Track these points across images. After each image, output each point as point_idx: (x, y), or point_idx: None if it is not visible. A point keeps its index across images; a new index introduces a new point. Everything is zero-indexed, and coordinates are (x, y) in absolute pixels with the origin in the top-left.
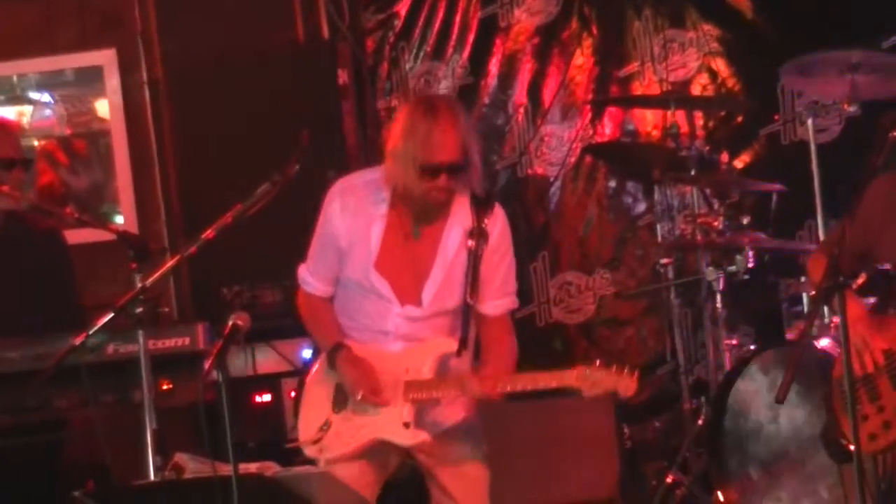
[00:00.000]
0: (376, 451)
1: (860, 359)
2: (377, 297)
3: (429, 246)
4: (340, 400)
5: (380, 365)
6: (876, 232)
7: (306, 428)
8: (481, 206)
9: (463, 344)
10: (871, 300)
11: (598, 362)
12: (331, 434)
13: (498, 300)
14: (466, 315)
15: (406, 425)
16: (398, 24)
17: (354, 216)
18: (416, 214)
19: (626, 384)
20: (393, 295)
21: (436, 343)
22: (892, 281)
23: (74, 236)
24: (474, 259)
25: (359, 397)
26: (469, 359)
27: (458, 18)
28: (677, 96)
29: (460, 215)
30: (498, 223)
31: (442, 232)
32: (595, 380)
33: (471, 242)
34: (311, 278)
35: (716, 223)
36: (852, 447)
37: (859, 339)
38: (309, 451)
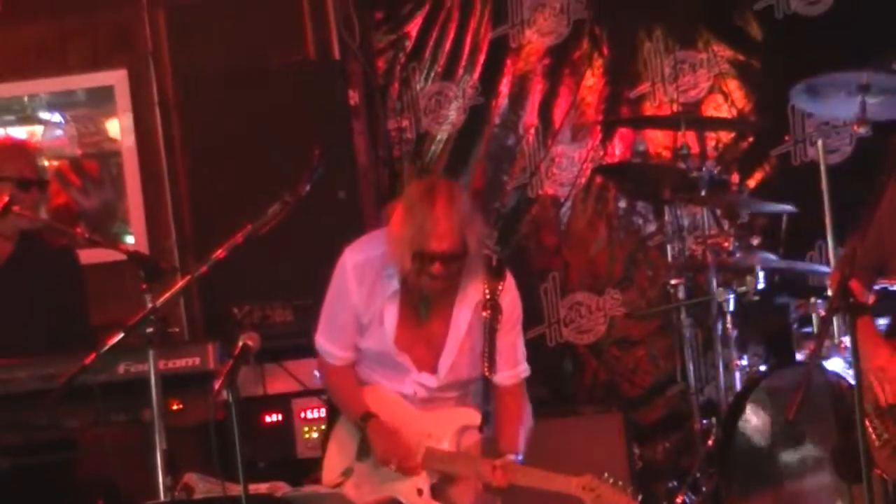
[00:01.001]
0: None
1: (882, 388)
2: (395, 365)
3: (441, 322)
4: (365, 450)
5: (403, 421)
6: (888, 247)
7: (330, 469)
8: (493, 277)
9: (485, 419)
10: (883, 321)
11: (606, 475)
12: (351, 483)
13: (512, 370)
14: (487, 389)
15: (419, 492)
16: (409, 44)
17: (371, 293)
18: (420, 296)
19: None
20: (412, 365)
21: (460, 413)
22: None
23: (86, 256)
24: (490, 332)
25: (392, 468)
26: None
27: (468, 39)
28: (688, 117)
29: (470, 288)
30: (509, 293)
31: (452, 307)
32: (599, 493)
33: (485, 314)
34: (333, 348)
35: (726, 244)
36: (885, 476)
37: (878, 370)
38: (330, 485)
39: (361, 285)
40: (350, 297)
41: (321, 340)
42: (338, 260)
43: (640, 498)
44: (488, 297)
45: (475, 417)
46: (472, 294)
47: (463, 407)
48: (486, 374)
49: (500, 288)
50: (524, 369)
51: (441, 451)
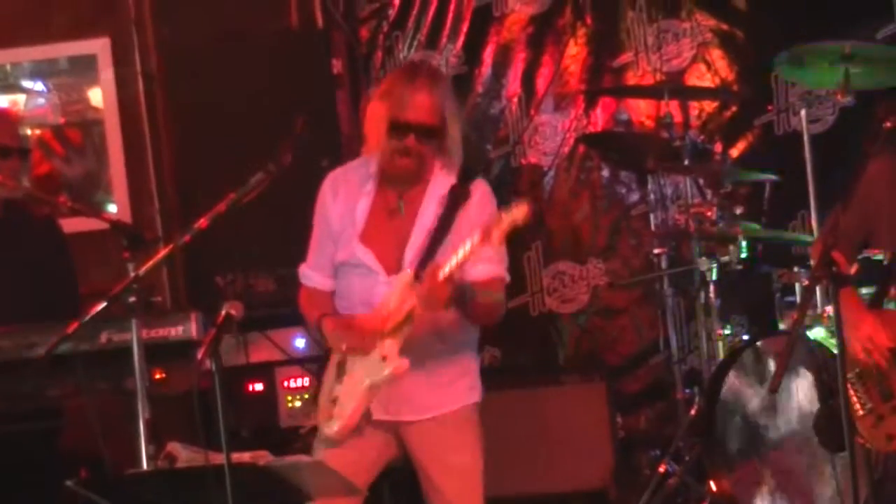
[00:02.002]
0: (369, 441)
1: (869, 357)
2: (365, 271)
3: (410, 215)
4: (340, 373)
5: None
6: (873, 217)
7: (322, 409)
8: (465, 177)
9: (421, 267)
10: (865, 290)
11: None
12: (339, 405)
13: (482, 263)
14: (432, 250)
15: (383, 359)
16: (392, 13)
17: (345, 200)
18: (400, 189)
19: (519, 212)
20: (379, 266)
21: (396, 280)
22: (887, 272)
23: (68, 225)
24: (451, 210)
25: (343, 348)
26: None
27: (452, 7)
28: (671, 86)
29: (440, 183)
30: (480, 187)
31: (422, 198)
32: (496, 226)
33: (452, 202)
34: (311, 272)
35: (709, 213)
36: (868, 445)
37: (865, 338)
38: (325, 429)
39: (336, 196)
40: (325, 209)
41: (303, 267)
42: None
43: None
44: (457, 186)
45: (407, 273)
46: (442, 183)
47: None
48: (439, 239)
49: (471, 183)
50: (502, 270)
51: (388, 314)
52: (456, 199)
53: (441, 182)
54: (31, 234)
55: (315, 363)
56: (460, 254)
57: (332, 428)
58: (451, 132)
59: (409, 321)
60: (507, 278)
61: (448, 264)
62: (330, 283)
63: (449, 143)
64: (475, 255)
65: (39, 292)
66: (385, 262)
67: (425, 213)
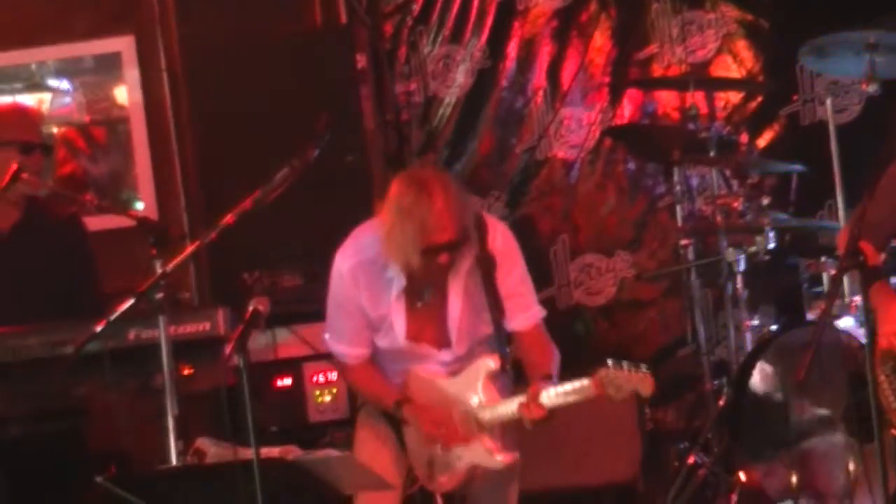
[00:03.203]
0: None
1: None
2: (414, 354)
3: (440, 296)
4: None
5: (433, 395)
6: None
7: (419, 466)
8: (477, 231)
9: (503, 358)
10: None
11: (610, 364)
12: (437, 468)
13: (525, 312)
14: (499, 330)
15: (490, 451)
16: (416, 7)
17: (372, 293)
18: (427, 282)
19: (644, 384)
20: (430, 348)
21: (478, 364)
22: None
23: (94, 223)
24: (488, 282)
25: (438, 451)
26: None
27: (476, 2)
28: (696, 78)
29: (463, 257)
30: (498, 237)
31: (446, 279)
32: (620, 387)
33: (479, 270)
34: (348, 349)
35: (736, 204)
36: None
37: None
38: (430, 486)
39: (359, 287)
40: (352, 300)
41: (333, 344)
42: (331, 267)
43: (649, 373)
44: (477, 252)
45: (494, 361)
46: (462, 259)
47: (479, 358)
48: (497, 317)
49: (487, 237)
50: (538, 310)
51: (483, 406)
52: (486, 266)
53: (460, 263)
54: (54, 232)
55: None
56: (567, 393)
57: (440, 487)
58: (470, 227)
59: (500, 423)
60: (544, 312)
61: (552, 396)
62: (369, 352)
63: (471, 240)
64: (510, 299)
65: (63, 290)
66: (434, 344)
67: (454, 290)
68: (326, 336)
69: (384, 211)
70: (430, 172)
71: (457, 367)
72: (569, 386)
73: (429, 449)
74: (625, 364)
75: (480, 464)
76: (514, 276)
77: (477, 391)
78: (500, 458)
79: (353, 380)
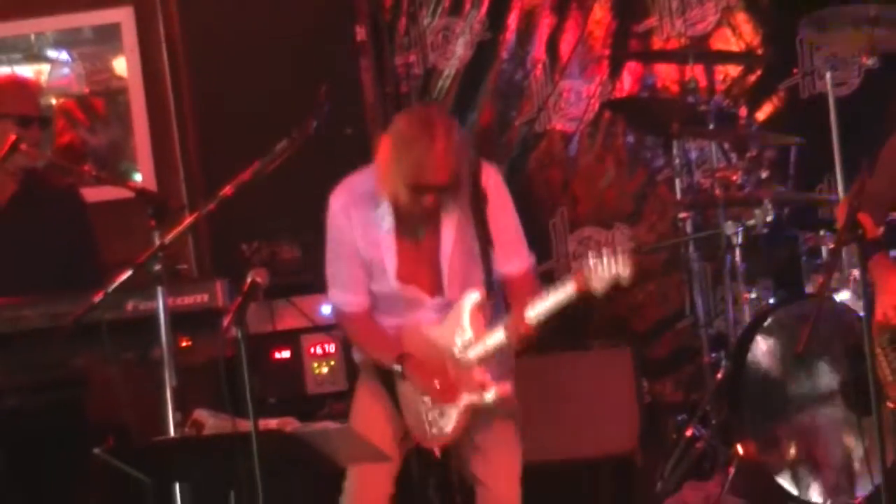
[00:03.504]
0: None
1: None
2: (407, 301)
3: (434, 237)
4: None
5: (434, 343)
6: None
7: (415, 424)
8: (471, 167)
9: (489, 288)
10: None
11: (590, 257)
12: (433, 421)
13: (516, 256)
14: (488, 268)
15: (482, 387)
16: None
17: (364, 229)
18: (417, 217)
19: (623, 266)
20: (422, 293)
21: (463, 301)
22: None
23: (93, 194)
24: (480, 219)
25: (430, 404)
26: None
27: None
28: (696, 51)
29: (454, 201)
30: (491, 177)
31: (439, 216)
32: (598, 278)
33: (472, 207)
34: (347, 297)
35: (735, 177)
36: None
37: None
38: (427, 443)
39: (352, 223)
40: (346, 239)
41: (333, 293)
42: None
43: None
44: (470, 190)
45: (478, 294)
46: (455, 200)
47: (462, 293)
48: (485, 248)
49: (480, 175)
50: (530, 256)
51: (467, 341)
52: (478, 206)
53: (452, 204)
54: (52, 203)
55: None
56: (551, 300)
57: (437, 441)
58: (463, 175)
59: (493, 354)
60: (533, 260)
61: (538, 308)
62: (367, 301)
63: (461, 188)
64: (501, 241)
65: (62, 261)
66: (426, 288)
67: (447, 230)
68: (329, 290)
69: (383, 142)
70: (436, 112)
71: (446, 315)
72: (551, 293)
73: (424, 404)
74: (604, 252)
75: (475, 402)
76: (506, 218)
77: (464, 327)
78: (494, 391)
79: (354, 331)
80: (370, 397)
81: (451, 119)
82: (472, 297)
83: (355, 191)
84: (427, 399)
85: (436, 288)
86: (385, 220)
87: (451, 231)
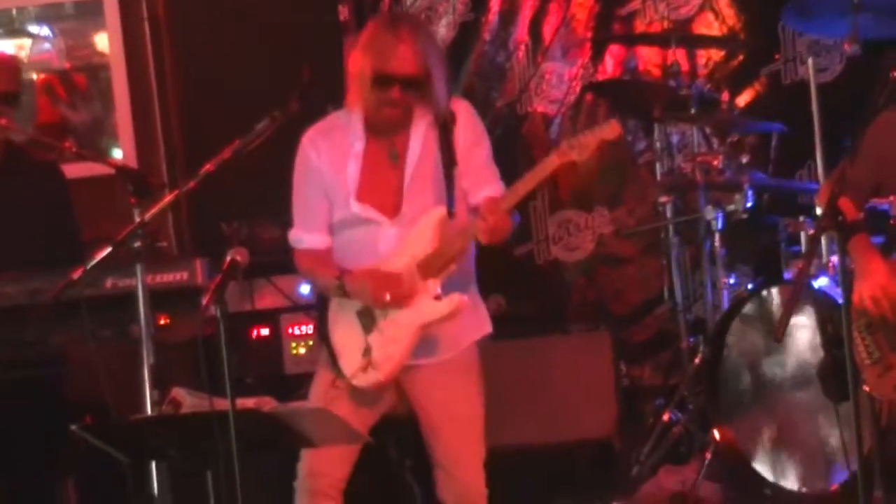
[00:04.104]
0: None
1: (878, 307)
2: (365, 224)
3: (400, 161)
4: (367, 323)
5: (388, 268)
6: (889, 166)
7: (349, 363)
8: (445, 91)
9: (450, 207)
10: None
11: (571, 135)
12: (375, 354)
13: (486, 184)
14: (450, 183)
15: (437, 298)
16: None
17: (331, 159)
18: (389, 138)
19: (611, 130)
20: (380, 215)
21: (424, 220)
22: None
23: (74, 170)
24: (445, 137)
25: (387, 299)
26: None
27: None
28: (678, 35)
29: (420, 123)
30: (462, 106)
31: (407, 142)
32: (582, 144)
33: (439, 126)
34: (306, 235)
35: (715, 162)
36: (874, 394)
37: (877, 286)
38: (360, 381)
39: (319, 151)
40: (310, 167)
41: (294, 231)
42: None
43: (612, 120)
44: (437, 109)
45: (438, 211)
46: (421, 122)
47: (424, 213)
48: (448, 171)
49: (446, 98)
50: (502, 186)
51: (429, 253)
52: (444, 126)
53: (420, 119)
54: (33, 179)
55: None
56: (530, 174)
57: (373, 378)
58: (434, 80)
59: (454, 261)
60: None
61: (512, 197)
62: (328, 241)
63: (432, 90)
64: (470, 169)
65: (41, 238)
66: (385, 210)
67: (412, 153)
68: (291, 228)
69: (354, 51)
70: (407, 15)
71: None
72: (528, 173)
73: (362, 340)
74: (585, 130)
75: (429, 319)
76: (477, 146)
77: (423, 243)
78: (449, 301)
79: (304, 261)
80: (322, 374)
81: (418, 19)
82: (435, 213)
83: (326, 123)
84: (368, 330)
85: (395, 209)
86: (356, 143)
87: (416, 152)
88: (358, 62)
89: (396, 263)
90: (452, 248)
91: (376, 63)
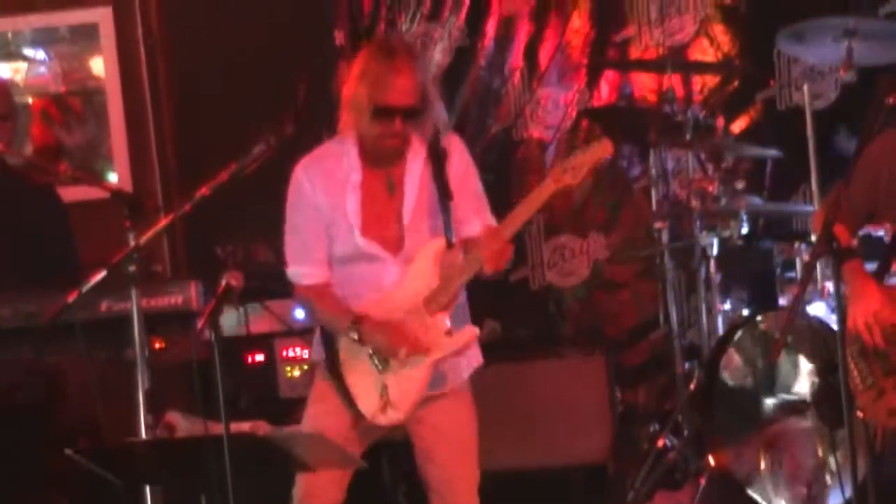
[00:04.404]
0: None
1: (871, 334)
2: (368, 260)
3: (398, 192)
4: (381, 362)
5: (392, 306)
6: (880, 194)
7: (368, 404)
8: (434, 138)
9: (449, 237)
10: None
11: (564, 156)
12: (392, 392)
13: (476, 217)
14: (447, 215)
15: (448, 334)
16: None
17: (327, 192)
18: (385, 168)
19: (603, 149)
20: (384, 252)
21: (424, 253)
22: (891, 247)
23: (69, 193)
24: (439, 171)
25: (402, 355)
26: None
27: None
28: (674, 60)
29: (415, 153)
30: (454, 141)
31: (403, 173)
32: (575, 167)
33: (433, 161)
34: (306, 269)
35: (711, 188)
36: (868, 420)
37: (870, 313)
38: (381, 421)
39: (314, 183)
40: (306, 199)
41: (291, 266)
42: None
43: (605, 138)
44: (432, 146)
45: (437, 243)
46: (417, 153)
47: (423, 246)
48: (447, 204)
49: (439, 135)
50: (490, 217)
51: (434, 290)
52: (438, 160)
53: (416, 152)
54: (30, 201)
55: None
56: (525, 203)
57: (393, 417)
58: (430, 108)
59: (457, 295)
60: (495, 222)
61: (510, 226)
62: (328, 275)
63: (429, 119)
64: (464, 201)
65: (38, 260)
66: (388, 246)
67: (410, 185)
68: (287, 263)
69: (348, 78)
70: (401, 43)
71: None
72: (524, 201)
73: (377, 379)
74: (577, 150)
75: (442, 355)
76: (467, 178)
77: (425, 279)
78: (460, 335)
79: (309, 298)
80: (321, 397)
81: (414, 47)
82: (433, 246)
83: (319, 154)
84: (382, 370)
85: (398, 244)
86: (352, 175)
87: (413, 186)
88: (353, 90)
89: (400, 299)
90: (456, 281)
91: (375, 95)
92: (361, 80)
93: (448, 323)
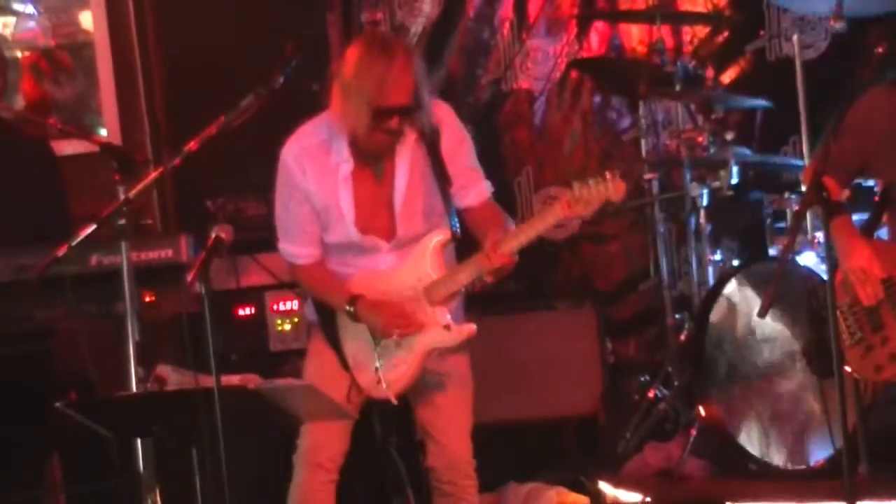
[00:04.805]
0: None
1: (862, 290)
2: (362, 249)
3: (388, 178)
4: (377, 338)
5: (387, 286)
6: (875, 145)
7: (364, 377)
8: (426, 124)
9: (453, 232)
10: (857, 217)
11: (578, 183)
12: (386, 370)
13: (475, 187)
14: (447, 201)
15: (447, 328)
16: None
17: (318, 179)
18: (374, 156)
19: (616, 192)
20: (379, 240)
21: (427, 241)
22: (882, 200)
23: (58, 147)
24: (435, 155)
25: (395, 337)
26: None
27: None
28: (663, 11)
29: (407, 137)
30: (443, 112)
31: (393, 159)
32: (588, 200)
33: (425, 142)
34: (298, 250)
35: (700, 139)
36: (856, 375)
37: (859, 270)
38: (375, 394)
39: (306, 174)
40: (299, 189)
41: (284, 245)
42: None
43: (619, 177)
44: (422, 125)
45: (443, 233)
46: (408, 134)
47: (426, 235)
48: (445, 188)
49: (431, 113)
50: (488, 185)
51: (434, 280)
52: (432, 145)
53: (406, 139)
54: (22, 154)
55: None
56: (535, 220)
57: (384, 394)
58: (424, 103)
59: (461, 291)
60: (492, 190)
61: (516, 240)
62: (320, 253)
63: (422, 113)
64: (459, 172)
65: (29, 214)
66: (381, 235)
67: (400, 172)
68: (279, 241)
69: (339, 71)
70: (392, 36)
71: (402, 253)
72: (533, 221)
73: (376, 350)
74: (590, 180)
75: (437, 345)
76: (460, 151)
77: (426, 267)
78: (459, 332)
79: (304, 278)
80: (319, 355)
81: (408, 44)
82: (436, 238)
83: (308, 139)
84: (377, 346)
85: (390, 232)
86: (342, 166)
87: (404, 172)
88: (350, 84)
89: (399, 283)
90: (458, 282)
91: (375, 96)
92: (359, 78)
93: (448, 318)
